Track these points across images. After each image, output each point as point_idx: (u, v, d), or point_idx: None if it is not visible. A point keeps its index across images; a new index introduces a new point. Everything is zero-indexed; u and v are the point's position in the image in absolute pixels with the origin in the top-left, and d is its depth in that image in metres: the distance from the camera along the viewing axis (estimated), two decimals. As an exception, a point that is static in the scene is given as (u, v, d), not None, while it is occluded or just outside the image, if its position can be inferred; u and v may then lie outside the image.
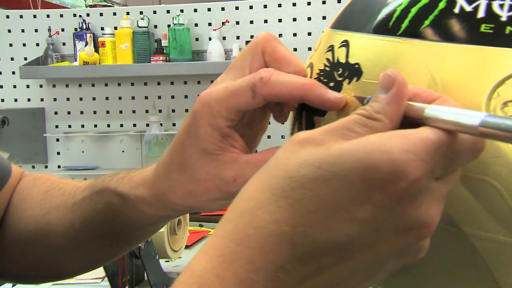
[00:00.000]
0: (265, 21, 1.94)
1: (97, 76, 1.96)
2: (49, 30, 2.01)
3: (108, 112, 2.07)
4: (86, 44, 1.90)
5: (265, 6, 1.92)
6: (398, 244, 0.26)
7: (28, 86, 2.07)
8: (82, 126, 2.09)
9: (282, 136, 1.65)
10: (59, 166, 2.10)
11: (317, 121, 0.37)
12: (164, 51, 1.93)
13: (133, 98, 2.05)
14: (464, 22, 0.31)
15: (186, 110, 1.95)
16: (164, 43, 1.93)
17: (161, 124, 1.94)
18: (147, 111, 2.03)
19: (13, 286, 0.97)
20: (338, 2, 1.84)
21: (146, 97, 2.04)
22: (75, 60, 1.96)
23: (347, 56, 0.36)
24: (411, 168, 0.25)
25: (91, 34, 1.93)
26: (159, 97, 2.02)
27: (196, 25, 1.98)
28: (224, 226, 0.27)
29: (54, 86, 2.07)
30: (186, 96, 1.97)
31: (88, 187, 0.47)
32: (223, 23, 1.93)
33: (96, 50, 1.94)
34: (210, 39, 1.92)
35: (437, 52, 0.31)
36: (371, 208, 0.26)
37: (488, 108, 0.29)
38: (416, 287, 0.34)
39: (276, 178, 0.27)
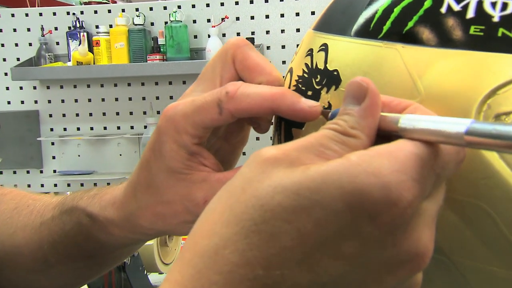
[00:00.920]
0: (267, 17, 1.92)
1: (92, 76, 1.95)
2: (42, 29, 2.00)
3: (104, 114, 2.07)
4: (80, 43, 1.89)
5: (266, 1, 1.90)
6: (389, 280, 0.24)
7: (21, 88, 2.07)
8: (78, 129, 2.09)
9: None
10: (54, 171, 2.10)
11: (295, 133, 0.35)
12: (161, 49, 1.92)
13: (130, 99, 2.04)
14: (452, 23, 0.29)
15: (185, 111, 1.93)
16: (161, 41, 1.92)
17: (159, 126, 1.93)
18: (144, 113, 2.02)
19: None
20: (343, -5, 1.81)
21: (143, 98, 2.03)
22: (69, 60, 1.96)
23: (325, 62, 0.34)
24: (404, 191, 0.23)
25: (85, 33, 1.93)
26: (157, 98, 2.01)
27: (194, 21, 1.96)
28: (181, 270, 0.24)
29: (48, 87, 2.07)
30: (185, 97, 1.96)
31: (58, 205, 0.46)
32: (222, 19, 1.92)
33: (90, 50, 1.94)
34: (209, 36, 1.91)
35: (421, 57, 0.29)
36: (360, 242, 0.23)
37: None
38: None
39: (245, 206, 0.24)
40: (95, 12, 2.03)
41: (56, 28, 2.04)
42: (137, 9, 1.96)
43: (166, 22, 1.94)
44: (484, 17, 0.28)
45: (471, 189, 0.27)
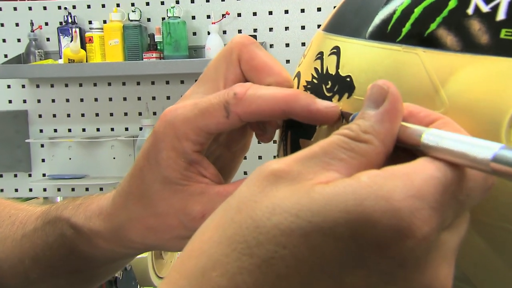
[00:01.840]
0: (270, 13, 1.91)
1: (85, 75, 1.95)
2: (31, 24, 2.00)
3: (97, 114, 2.06)
4: (72, 40, 1.89)
5: (270, -4, 1.90)
6: None
7: (9, 87, 2.07)
8: (69, 130, 2.08)
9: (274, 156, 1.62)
10: (44, 175, 2.09)
11: (302, 144, 0.34)
12: (158, 47, 1.92)
13: (124, 99, 2.04)
14: (480, 26, 0.28)
15: (183, 113, 1.93)
16: (158, 38, 1.92)
17: (155, 128, 1.93)
18: (140, 114, 2.02)
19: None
20: (352, -9, 1.81)
21: (139, 98, 2.02)
22: (60, 58, 1.95)
23: (337, 67, 0.32)
24: (419, 220, 0.21)
25: (77, 29, 1.92)
26: (153, 98, 2.00)
27: (193, 17, 1.95)
28: None
29: (37, 86, 2.06)
30: (183, 97, 1.95)
31: (42, 215, 0.45)
32: (223, 16, 1.91)
33: (83, 47, 1.93)
34: (208, 33, 1.90)
35: (445, 63, 0.28)
36: (365, 274, 0.22)
37: (508, 137, 0.25)
38: None
39: (239, 226, 0.23)
40: (88, 6, 2.02)
41: (46, 23, 2.03)
42: (132, 4, 1.96)
43: (163, 18, 1.93)
44: (516, 20, 0.27)
45: (502, 211, 0.25)
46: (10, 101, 2.07)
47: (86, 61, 1.93)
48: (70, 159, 2.09)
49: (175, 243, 0.36)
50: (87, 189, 2.06)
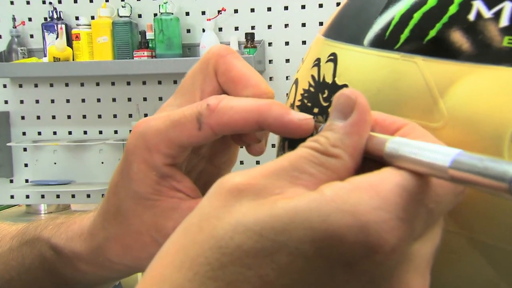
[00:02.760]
0: (269, 9, 1.92)
1: (72, 74, 1.96)
2: (14, 19, 2.00)
3: (84, 116, 2.07)
4: (57, 36, 1.89)
5: (269, -9, 1.91)
6: None
7: (-10, 86, 2.07)
8: (54, 133, 2.09)
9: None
10: (26, 181, 2.10)
11: None
12: (150, 45, 1.92)
13: (113, 100, 2.04)
14: (482, 33, 0.28)
15: (176, 115, 1.93)
16: (150, 35, 1.92)
17: (146, 131, 1.93)
18: (130, 116, 2.02)
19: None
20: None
21: (129, 99, 2.03)
22: (45, 56, 1.95)
23: (334, 75, 0.33)
24: (387, 233, 0.22)
25: (63, 25, 1.92)
26: (145, 99, 2.01)
27: (187, 14, 1.96)
28: None
29: (20, 86, 2.07)
30: (175, 98, 1.95)
31: (18, 234, 0.44)
32: (219, 12, 1.91)
33: (69, 44, 1.94)
34: (203, 30, 1.91)
35: (445, 73, 0.28)
36: None
37: (511, 152, 0.26)
38: None
39: (201, 247, 0.23)
40: (75, 1, 2.03)
41: (30, 19, 2.04)
42: (122, -1, 1.96)
43: (155, 14, 1.94)
44: (520, 27, 0.27)
45: (508, 233, 0.26)
46: (-9, 102, 2.08)
47: (73, 60, 1.94)
48: (55, 163, 2.09)
49: None
50: (73, 196, 2.06)
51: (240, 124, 0.32)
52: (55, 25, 1.96)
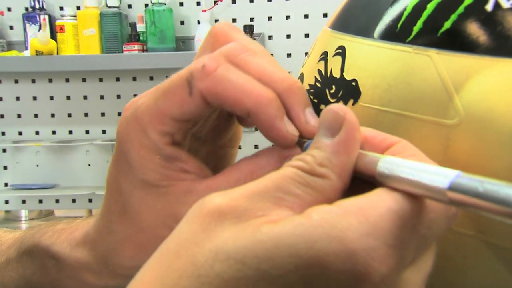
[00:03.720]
0: (268, 0, 1.92)
1: (56, 69, 1.95)
2: (-7, 10, 2.00)
3: (69, 115, 2.06)
4: (40, 28, 1.89)
5: (269, -20, 1.91)
6: None
7: (-33, 82, 2.07)
8: (37, 133, 2.08)
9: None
10: (6, 185, 2.09)
11: None
12: (141, 38, 1.92)
13: (101, 97, 2.04)
14: (500, 24, 0.29)
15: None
16: (140, 27, 1.92)
17: (136, 131, 1.93)
18: (119, 114, 2.02)
19: None
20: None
21: (118, 96, 2.03)
22: (26, 49, 1.95)
23: (342, 69, 0.34)
24: (376, 262, 0.22)
25: (47, 16, 1.92)
26: (135, 96, 2.00)
27: (181, 4, 1.96)
28: None
29: None
30: (168, 95, 1.95)
31: (16, 242, 0.44)
32: (215, 2, 1.92)
33: (53, 37, 1.94)
34: (199, 22, 1.91)
35: (461, 67, 0.29)
36: None
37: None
38: None
39: (178, 276, 0.23)
40: (60, -10, 2.03)
41: (9, 9, 2.03)
42: (111, -12, 1.97)
43: (146, 5, 1.94)
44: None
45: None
46: (-32, 99, 2.08)
47: (57, 54, 1.93)
48: (37, 166, 2.09)
49: None
50: (57, 201, 2.06)
51: (230, 102, 0.31)
52: (37, 16, 1.96)
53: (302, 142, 0.30)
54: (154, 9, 1.88)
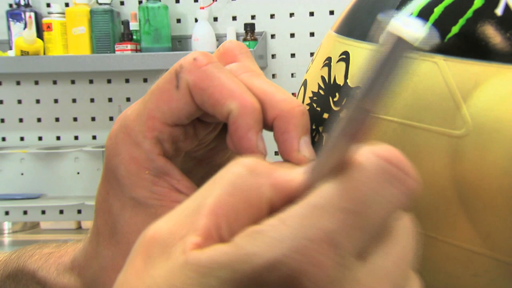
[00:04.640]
0: (272, -4, 1.93)
1: (42, 71, 1.95)
2: (-24, 7, 2.01)
3: (57, 119, 2.07)
4: (25, 26, 1.90)
5: (272, -25, 1.92)
6: None
7: None
8: (22, 138, 2.09)
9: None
10: (-12, 194, 2.10)
11: None
12: (134, 37, 1.93)
13: (92, 100, 2.05)
14: (511, 30, 0.29)
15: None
16: (134, 26, 1.93)
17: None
18: (111, 118, 2.02)
19: None
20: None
21: (109, 99, 2.04)
22: (10, 49, 1.96)
23: (346, 76, 0.34)
24: (300, 263, 0.22)
25: (33, 13, 1.93)
26: (128, 100, 2.02)
27: (177, 1, 1.97)
28: None
29: (-18, 84, 2.08)
30: (163, 99, 1.95)
31: (0, 265, 0.44)
32: (214, -1, 1.92)
33: (40, 36, 1.94)
34: (196, 20, 1.92)
35: (469, 75, 0.30)
36: None
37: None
38: None
39: None
40: (47, -14, 2.04)
41: (-7, 6, 2.04)
42: (102, -17, 1.97)
43: (140, 2, 1.95)
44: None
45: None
46: None
47: (44, 54, 1.94)
48: (22, 174, 2.10)
49: None
50: (43, 212, 2.06)
51: (213, 101, 0.31)
52: (22, 13, 1.97)
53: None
54: (149, 6, 1.89)
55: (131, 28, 1.94)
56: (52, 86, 2.06)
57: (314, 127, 0.36)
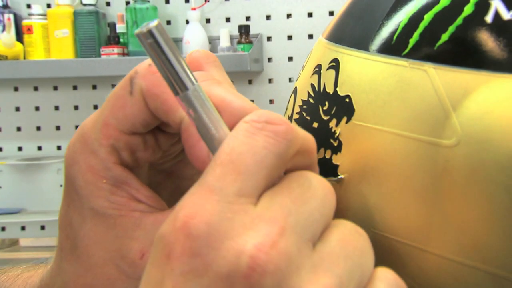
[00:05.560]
0: (268, -4, 1.94)
1: (22, 76, 1.95)
2: (-48, 9, 2.01)
3: (39, 128, 2.08)
4: (4, 29, 1.91)
5: (268, -27, 1.93)
6: None
7: None
8: (0, 149, 2.09)
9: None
10: (-35, 209, 2.10)
11: None
12: (121, 40, 1.94)
13: (76, 108, 2.06)
14: (501, 37, 0.31)
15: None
16: (121, 28, 1.94)
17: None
18: (95, 127, 2.02)
19: None
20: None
21: (95, 107, 2.05)
22: (-11, 54, 1.96)
23: (335, 84, 0.36)
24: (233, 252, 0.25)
25: (12, 15, 1.94)
26: (114, 107, 2.02)
27: (167, 1, 1.99)
28: None
29: (-42, 91, 2.08)
30: (152, 106, 1.96)
31: None
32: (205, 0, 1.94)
33: (20, 39, 1.95)
34: (187, 22, 1.93)
35: (459, 83, 0.31)
36: None
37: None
38: None
39: None
40: (28, -14, 2.05)
41: (-28, 8, 2.05)
42: (86, -17, 1.98)
43: (127, 2, 1.97)
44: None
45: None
46: None
47: (24, 58, 1.95)
48: (0, 187, 2.10)
49: None
50: (23, 228, 2.06)
51: (166, 108, 0.33)
52: (0, 15, 1.97)
53: None
54: (136, 7, 1.90)
55: (117, 31, 1.95)
56: (33, 93, 2.07)
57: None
